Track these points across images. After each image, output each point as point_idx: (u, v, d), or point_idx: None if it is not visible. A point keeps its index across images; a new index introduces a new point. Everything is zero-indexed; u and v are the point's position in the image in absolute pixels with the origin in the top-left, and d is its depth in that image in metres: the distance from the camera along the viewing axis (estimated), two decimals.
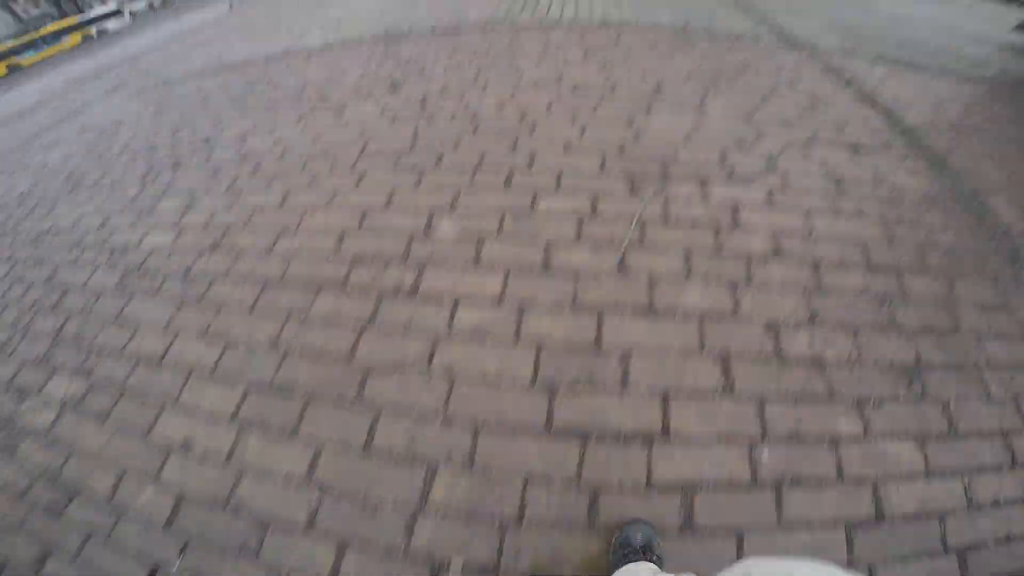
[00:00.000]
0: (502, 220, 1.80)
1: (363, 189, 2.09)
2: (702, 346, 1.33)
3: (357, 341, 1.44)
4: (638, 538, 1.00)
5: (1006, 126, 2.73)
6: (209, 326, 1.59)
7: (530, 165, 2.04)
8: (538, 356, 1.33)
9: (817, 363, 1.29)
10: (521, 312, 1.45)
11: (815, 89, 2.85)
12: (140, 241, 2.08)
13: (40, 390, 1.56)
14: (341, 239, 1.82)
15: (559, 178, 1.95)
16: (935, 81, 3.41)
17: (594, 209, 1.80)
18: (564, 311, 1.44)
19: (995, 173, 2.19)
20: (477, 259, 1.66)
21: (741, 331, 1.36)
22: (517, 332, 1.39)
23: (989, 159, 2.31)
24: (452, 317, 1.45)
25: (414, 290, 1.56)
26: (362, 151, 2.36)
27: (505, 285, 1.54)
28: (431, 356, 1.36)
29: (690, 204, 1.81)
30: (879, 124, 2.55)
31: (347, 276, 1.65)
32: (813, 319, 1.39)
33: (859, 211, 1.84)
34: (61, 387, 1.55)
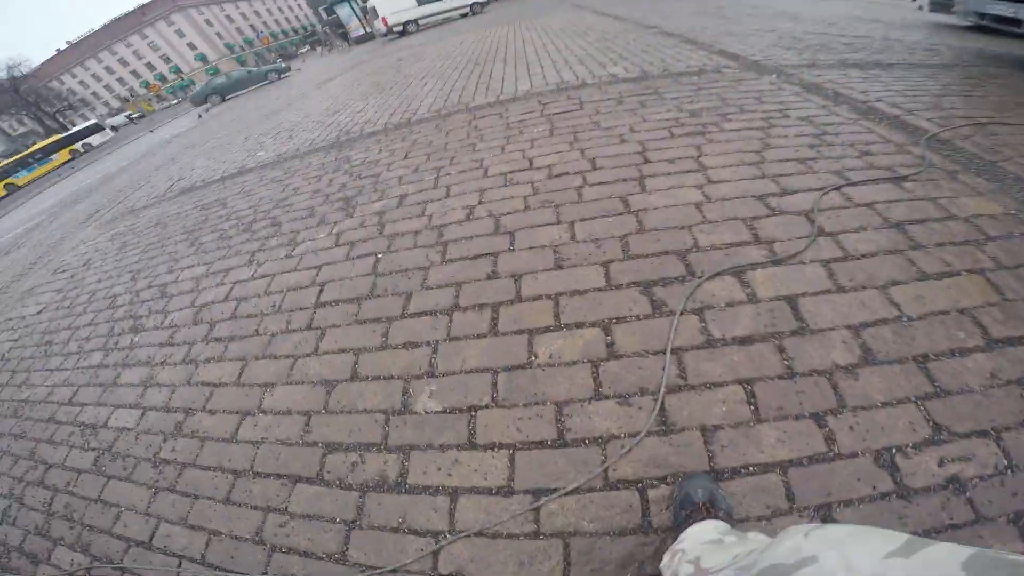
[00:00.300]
0: (495, 381, 1.36)
1: (324, 352, 1.71)
2: (791, 502, 0.99)
3: (348, 538, 1.19)
4: (699, 494, 0.93)
5: (1016, 111, 2.42)
6: (188, 514, 1.43)
7: (517, 295, 1.61)
8: (567, 550, 1.02)
9: (954, 485, 0.96)
10: (538, 499, 1.11)
11: (811, 114, 2.54)
12: (107, 420, 1.94)
13: (48, 559, 1.51)
14: (308, 422, 1.50)
15: (557, 307, 1.51)
16: (910, 76, 3.21)
17: (610, 345, 1.35)
18: (594, 493, 1.09)
19: None
20: (471, 439, 1.27)
21: (843, 473, 1.01)
22: (536, 524, 1.08)
23: None
24: (452, 512, 1.15)
25: (401, 481, 1.24)
26: (318, 298, 1.97)
27: (512, 468, 1.19)
28: (436, 557, 1.09)
29: (734, 311, 1.36)
30: (900, 138, 2.20)
31: (322, 466, 1.36)
32: (939, 432, 1.03)
33: (946, 266, 1.40)
34: (67, 559, 1.48)
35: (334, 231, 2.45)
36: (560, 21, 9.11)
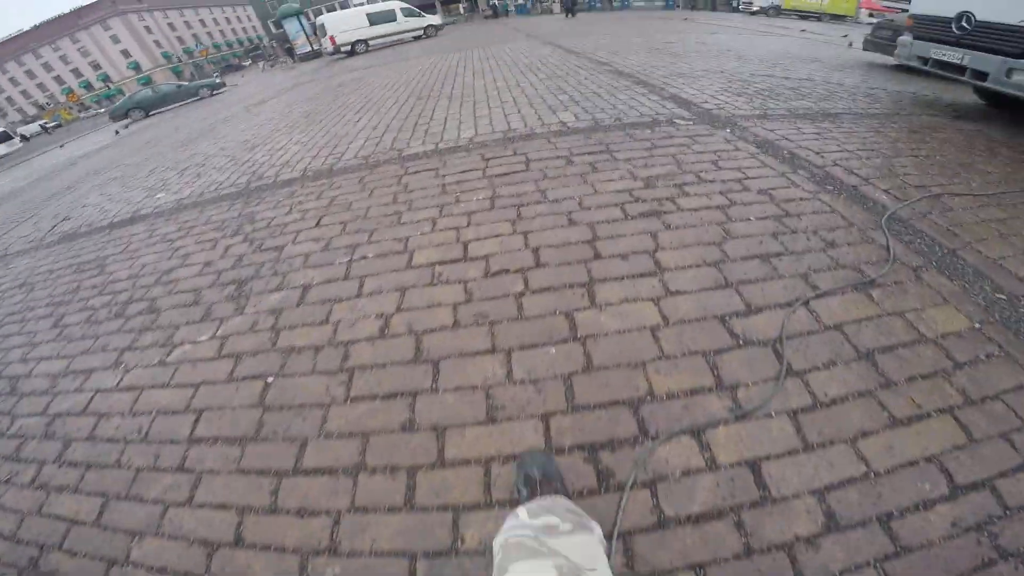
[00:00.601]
0: (413, 569, 1.14)
1: (200, 504, 1.43)
2: None
3: None
4: (536, 472, 1.08)
5: (962, 176, 2.61)
6: None
7: (440, 456, 1.37)
8: None
9: None
10: None
11: (770, 186, 2.51)
12: None
13: None
14: None
15: (487, 476, 1.29)
16: (858, 129, 3.41)
17: None
18: None
19: (1014, 259, 1.89)
20: None
21: None
22: None
23: (990, 234, 2.06)
24: None
25: None
26: (193, 430, 1.66)
27: None
28: None
29: (691, 481, 1.20)
30: (861, 217, 2.22)
31: None
32: None
33: (916, 408, 1.34)
34: None
35: (219, 333, 2.11)
36: (512, 51, 9.24)
